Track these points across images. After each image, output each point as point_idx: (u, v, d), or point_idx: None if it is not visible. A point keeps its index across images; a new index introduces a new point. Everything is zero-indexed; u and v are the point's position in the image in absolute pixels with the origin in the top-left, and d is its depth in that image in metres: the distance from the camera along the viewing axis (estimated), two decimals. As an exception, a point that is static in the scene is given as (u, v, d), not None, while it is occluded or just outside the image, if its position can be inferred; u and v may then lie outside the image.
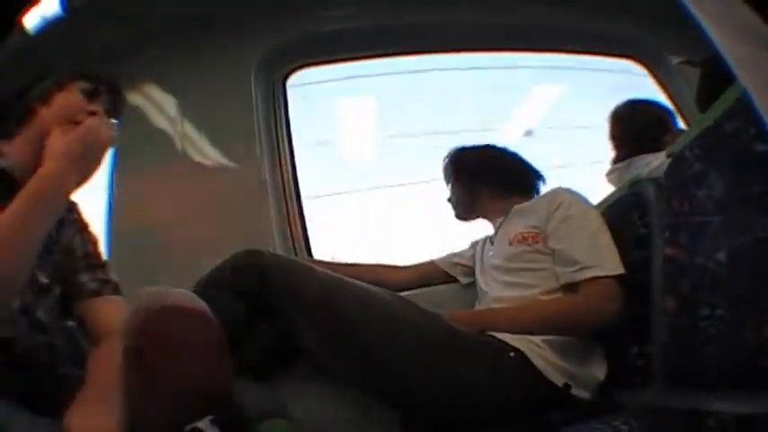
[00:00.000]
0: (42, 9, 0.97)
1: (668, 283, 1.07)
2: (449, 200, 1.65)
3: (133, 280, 1.61)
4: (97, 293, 1.02)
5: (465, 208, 1.63)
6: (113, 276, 1.07)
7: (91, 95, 1.03)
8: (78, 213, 1.10)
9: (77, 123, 0.97)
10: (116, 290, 1.05)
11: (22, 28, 0.95)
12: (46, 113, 0.99)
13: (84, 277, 1.03)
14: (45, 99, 1.00)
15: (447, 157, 1.67)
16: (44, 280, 0.96)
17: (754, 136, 0.85)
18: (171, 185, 1.77)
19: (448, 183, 1.65)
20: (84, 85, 1.03)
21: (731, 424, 0.86)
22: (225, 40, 1.82)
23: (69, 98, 1.01)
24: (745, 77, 0.56)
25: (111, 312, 0.99)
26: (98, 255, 1.09)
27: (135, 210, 1.75)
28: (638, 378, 1.18)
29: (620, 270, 1.23)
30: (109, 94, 1.06)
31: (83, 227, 1.09)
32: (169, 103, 1.87)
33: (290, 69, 1.99)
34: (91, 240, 1.09)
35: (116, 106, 1.09)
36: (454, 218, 1.66)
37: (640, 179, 1.33)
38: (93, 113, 1.00)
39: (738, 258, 0.89)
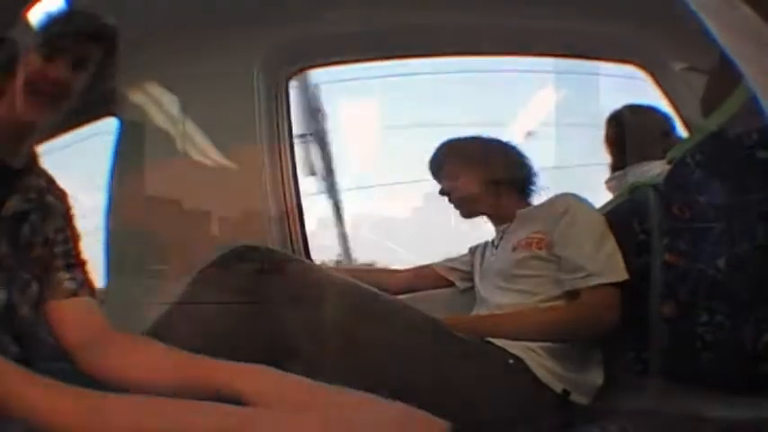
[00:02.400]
0: (47, 4, 0.93)
1: (667, 288, 1.08)
2: (444, 193, 1.52)
3: (132, 279, 1.63)
4: (74, 294, 0.95)
5: (475, 202, 1.51)
6: (90, 277, 1.01)
7: (49, 57, 0.89)
8: (68, 206, 1.02)
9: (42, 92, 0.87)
10: (92, 293, 0.99)
11: (26, 23, 0.92)
12: (13, 87, 0.87)
13: (63, 276, 0.96)
14: (10, 70, 0.88)
15: (446, 147, 1.55)
16: (25, 276, 0.91)
17: (757, 143, 0.86)
18: (171, 185, 1.76)
19: (448, 176, 1.53)
20: (42, 49, 0.89)
21: (729, 430, 0.86)
22: (228, 40, 1.82)
23: (27, 63, 0.88)
24: (751, 77, 0.56)
25: (91, 316, 0.94)
26: (79, 252, 1.02)
27: (134, 209, 1.75)
28: (636, 383, 1.18)
29: (625, 277, 1.23)
30: (82, 43, 0.91)
31: (69, 220, 1.02)
32: (171, 101, 1.87)
33: (293, 70, 1.99)
34: (73, 237, 1.02)
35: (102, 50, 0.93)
36: (460, 216, 1.52)
37: (640, 185, 1.33)
38: (53, 79, 0.87)
39: (738, 265, 0.90)
